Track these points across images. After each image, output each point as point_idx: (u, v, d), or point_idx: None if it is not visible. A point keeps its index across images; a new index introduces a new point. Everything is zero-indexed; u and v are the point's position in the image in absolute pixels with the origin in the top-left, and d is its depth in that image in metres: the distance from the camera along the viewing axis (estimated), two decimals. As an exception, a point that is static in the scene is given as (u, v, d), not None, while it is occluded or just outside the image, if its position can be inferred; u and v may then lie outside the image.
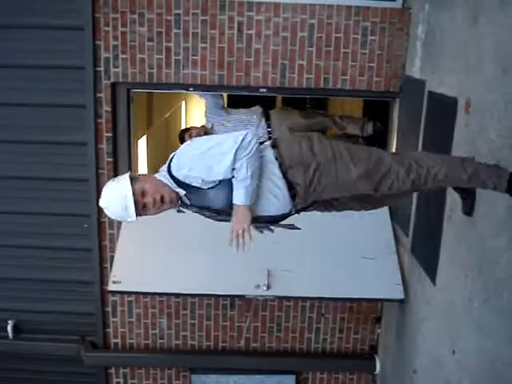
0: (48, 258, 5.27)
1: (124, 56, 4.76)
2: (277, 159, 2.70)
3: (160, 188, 2.64)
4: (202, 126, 5.78)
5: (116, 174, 5.02)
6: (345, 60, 4.78)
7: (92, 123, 4.88)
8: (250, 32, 4.74)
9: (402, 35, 4.72)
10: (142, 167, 7.48)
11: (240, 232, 2.62)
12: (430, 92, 4.12)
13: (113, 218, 2.71)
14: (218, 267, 4.67)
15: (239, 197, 2.59)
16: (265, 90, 4.87)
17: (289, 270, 4.75)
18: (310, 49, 4.77)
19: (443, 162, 2.78)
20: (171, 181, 2.65)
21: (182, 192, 2.67)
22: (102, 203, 2.66)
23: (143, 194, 2.60)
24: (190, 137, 5.33)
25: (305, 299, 5.24)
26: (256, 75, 4.81)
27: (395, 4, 4.72)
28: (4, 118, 4.96)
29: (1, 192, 5.15)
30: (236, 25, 4.72)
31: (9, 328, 5.37)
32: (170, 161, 2.66)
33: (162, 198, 2.62)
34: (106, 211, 2.67)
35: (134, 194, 2.57)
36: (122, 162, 5.08)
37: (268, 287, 4.69)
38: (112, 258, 5.03)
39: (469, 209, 3.23)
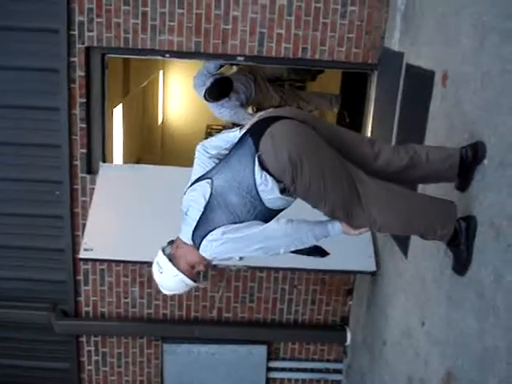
0: (19, 225, 5.19)
1: (99, 20, 4.65)
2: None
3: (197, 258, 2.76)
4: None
5: (89, 141, 4.97)
6: (324, 30, 4.72)
7: (65, 88, 4.77)
8: (228, -1, 4.66)
9: (381, 6, 4.68)
10: (118, 135, 7.40)
11: None
12: (407, 64, 4.10)
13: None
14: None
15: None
16: (242, 58, 4.81)
17: (262, 240, 4.74)
18: (289, 18, 4.70)
19: None
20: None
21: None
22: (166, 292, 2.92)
23: (193, 267, 2.80)
24: None
25: (277, 270, 5.25)
26: (233, 43, 4.74)
27: (376, -26, 4.67)
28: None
29: (-30, 157, 5.04)
30: (214, -9, 4.64)
31: (-21, 295, 5.32)
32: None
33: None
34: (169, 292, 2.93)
35: (184, 273, 2.78)
36: (95, 129, 4.99)
37: (241, 257, 4.67)
38: (84, 225, 4.96)
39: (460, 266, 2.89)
